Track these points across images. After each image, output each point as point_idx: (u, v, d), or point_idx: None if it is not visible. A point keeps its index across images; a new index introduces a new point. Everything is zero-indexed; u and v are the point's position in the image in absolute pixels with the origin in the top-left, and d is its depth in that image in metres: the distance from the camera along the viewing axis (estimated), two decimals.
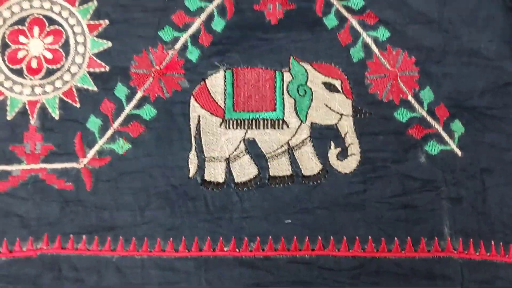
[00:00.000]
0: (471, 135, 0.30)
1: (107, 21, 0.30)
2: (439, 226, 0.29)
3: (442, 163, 0.29)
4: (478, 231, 0.29)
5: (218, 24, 0.31)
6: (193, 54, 0.30)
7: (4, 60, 0.30)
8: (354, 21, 0.31)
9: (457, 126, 0.30)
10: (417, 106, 0.30)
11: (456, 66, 0.30)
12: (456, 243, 0.28)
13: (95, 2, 0.31)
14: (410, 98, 0.30)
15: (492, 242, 0.29)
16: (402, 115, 0.30)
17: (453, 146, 0.30)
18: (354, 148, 0.29)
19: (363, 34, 0.30)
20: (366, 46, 0.30)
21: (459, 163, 0.29)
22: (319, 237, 0.28)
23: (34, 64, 0.30)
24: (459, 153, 0.29)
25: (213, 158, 0.29)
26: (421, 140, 0.30)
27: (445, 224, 0.29)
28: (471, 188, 0.29)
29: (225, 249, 0.28)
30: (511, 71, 0.30)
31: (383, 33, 0.31)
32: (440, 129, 0.30)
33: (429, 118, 0.30)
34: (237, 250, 0.28)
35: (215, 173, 0.29)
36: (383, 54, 0.30)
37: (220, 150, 0.29)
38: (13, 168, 0.29)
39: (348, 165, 0.29)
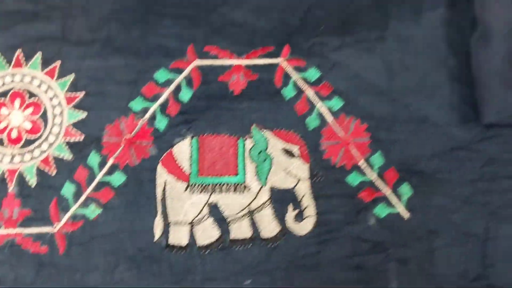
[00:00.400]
0: (418, 198, 0.31)
1: (83, 93, 0.32)
2: (388, 286, 0.29)
3: (390, 225, 0.30)
4: None
5: (185, 95, 0.32)
6: (161, 123, 0.32)
7: None
8: (310, 92, 0.32)
9: (406, 189, 0.31)
10: (367, 170, 0.31)
11: (405, 133, 0.32)
12: None
13: (73, 75, 0.32)
14: (361, 163, 0.31)
15: None
16: (353, 179, 0.31)
17: (400, 209, 0.31)
18: (310, 210, 0.31)
19: (318, 104, 0.32)
20: (321, 115, 0.32)
21: (406, 225, 0.30)
22: None
23: (14, 134, 0.31)
24: (406, 215, 0.30)
25: (178, 222, 0.30)
26: (370, 203, 0.31)
27: (393, 284, 0.29)
28: (419, 250, 0.30)
29: None
30: (458, 136, 0.32)
31: (337, 103, 0.32)
32: (388, 192, 0.31)
33: (378, 182, 0.31)
34: None
35: (179, 236, 0.30)
36: (337, 122, 0.32)
37: (184, 214, 0.30)
38: None
39: (304, 227, 0.30)
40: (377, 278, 0.30)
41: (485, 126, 0.32)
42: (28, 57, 0.33)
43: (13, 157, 0.31)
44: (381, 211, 0.31)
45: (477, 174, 0.31)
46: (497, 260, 0.30)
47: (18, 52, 0.33)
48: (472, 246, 0.31)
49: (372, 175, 0.31)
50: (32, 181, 0.31)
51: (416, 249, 0.30)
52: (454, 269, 0.30)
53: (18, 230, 0.30)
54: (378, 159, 0.31)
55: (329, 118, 0.32)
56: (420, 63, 0.33)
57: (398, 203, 0.31)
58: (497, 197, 0.31)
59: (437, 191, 0.31)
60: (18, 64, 0.32)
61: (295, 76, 0.32)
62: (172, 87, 0.32)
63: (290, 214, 0.31)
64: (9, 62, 0.33)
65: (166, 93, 0.32)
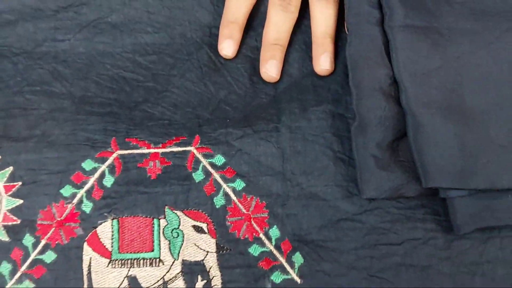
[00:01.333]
0: (309, 265, 0.34)
1: (20, 183, 0.36)
2: None
3: None
4: None
5: (108, 181, 0.36)
6: (87, 207, 0.35)
7: None
8: (217, 175, 0.36)
9: (298, 258, 0.35)
10: (266, 242, 0.35)
11: (298, 208, 0.36)
12: None
13: (11, 168, 0.37)
14: (261, 235, 0.35)
15: None
16: (254, 250, 0.35)
17: (293, 275, 0.34)
18: (216, 280, 0.34)
19: (224, 185, 0.36)
20: (226, 195, 0.36)
21: None
22: None
23: None
24: (298, 280, 0.34)
25: None
26: (268, 270, 0.34)
27: None
28: None
29: None
30: (343, 209, 0.36)
31: (239, 184, 0.36)
32: (283, 261, 0.35)
33: (275, 252, 0.35)
34: None
35: None
36: (240, 201, 0.36)
37: (107, 286, 0.35)
38: None
39: None
40: None
41: (366, 200, 0.36)
42: None
43: None
44: (276, 277, 0.34)
45: (360, 243, 0.35)
46: None
47: None
48: None
49: (270, 246, 0.35)
50: None
51: None
52: None
53: None
54: (274, 232, 0.36)
55: (233, 197, 0.37)
56: (309, 149, 0.37)
57: (291, 270, 0.35)
58: (377, 262, 0.35)
59: (325, 258, 0.35)
60: None
61: (204, 161, 0.38)
62: (97, 174, 0.37)
63: (200, 283, 0.35)
64: None
65: (92, 180, 0.37)
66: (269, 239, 0.36)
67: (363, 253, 0.35)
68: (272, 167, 0.37)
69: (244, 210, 0.36)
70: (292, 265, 0.35)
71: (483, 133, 0.36)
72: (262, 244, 0.35)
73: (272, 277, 0.35)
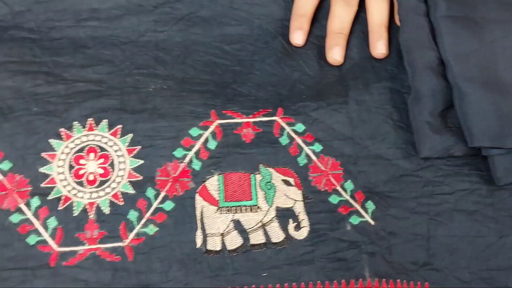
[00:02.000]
0: (379, 210, 0.42)
1: (139, 147, 0.43)
2: (362, 272, 0.40)
3: (361, 230, 0.41)
4: (388, 273, 0.40)
5: (212, 144, 0.43)
6: (197, 165, 0.43)
7: (71, 176, 0.42)
8: (299, 140, 0.44)
9: (370, 205, 0.42)
10: (343, 192, 0.42)
11: (366, 166, 0.43)
12: (373, 282, 0.39)
13: (131, 135, 0.43)
14: (338, 187, 0.42)
15: (398, 280, 0.40)
16: (333, 199, 0.42)
17: (368, 218, 0.42)
18: (304, 222, 0.41)
19: (305, 148, 0.44)
20: (307, 155, 0.43)
21: (372, 229, 0.41)
22: (285, 284, 0.39)
23: (91, 178, 0.42)
24: (372, 222, 0.41)
25: (212, 234, 0.41)
26: (346, 215, 0.41)
27: (365, 270, 0.40)
28: (381, 246, 0.40)
29: None
30: (403, 166, 0.43)
31: (318, 147, 0.43)
32: (359, 207, 0.42)
33: (351, 201, 0.42)
34: None
35: (214, 244, 0.40)
36: (318, 160, 0.43)
37: (217, 228, 0.41)
38: (79, 248, 0.39)
39: (302, 234, 0.41)
40: (354, 266, 0.40)
41: (422, 159, 0.44)
42: (97, 123, 0.44)
43: (91, 194, 0.43)
44: (354, 220, 0.42)
45: (419, 193, 0.42)
46: (437, 251, 0.41)
47: (90, 120, 0.43)
48: (419, 242, 0.41)
49: (346, 196, 0.42)
50: (106, 210, 0.41)
51: (380, 246, 0.40)
52: (407, 259, 0.40)
53: (98, 245, 0.40)
54: (349, 185, 0.43)
55: (313, 157, 0.44)
56: (373, 118, 0.45)
57: (365, 214, 0.42)
58: (433, 208, 0.42)
59: (392, 205, 0.42)
60: (90, 129, 0.44)
61: (287, 128, 0.45)
62: (202, 139, 0.44)
63: (291, 225, 0.42)
64: (83, 127, 0.44)
65: (199, 144, 0.44)
66: (345, 190, 0.43)
67: (422, 201, 0.43)
68: (343, 133, 0.45)
69: (322, 168, 0.44)
70: (366, 210, 0.43)
71: None
72: (339, 195, 0.43)
73: (350, 220, 0.42)
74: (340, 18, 0.48)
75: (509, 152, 0.43)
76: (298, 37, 0.48)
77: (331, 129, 0.45)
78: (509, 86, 0.44)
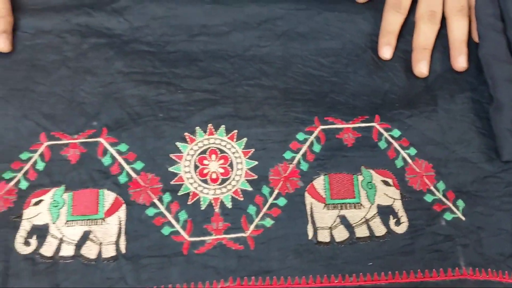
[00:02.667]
0: (468, 208, 0.46)
1: (253, 149, 0.48)
2: (457, 262, 0.44)
3: (454, 225, 0.45)
4: (480, 263, 0.44)
5: (317, 148, 0.48)
6: (304, 166, 0.47)
7: (197, 175, 0.47)
8: (395, 144, 0.48)
9: (460, 203, 0.46)
10: (436, 192, 0.47)
11: (455, 168, 0.47)
12: (468, 270, 0.44)
13: (245, 139, 0.48)
14: (431, 187, 0.47)
15: (489, 269, 0.44)
16: (428, 197, 0.46)
17: (459, 214, 0.46)
18: (403, 218, 0.46)
19: (401, 151, 0.48)
20: (404, 158, 0.48)
21: (464, 224, 0.45)
22: (389, 272, 0.44)
23: (214, 176, 0.47)
24: (463, 218, 0.46)
25: (321, 227, 0.45)
26: (441, 212, 0.46)
27: (460, 260, 0.44)
28: (472, 239, 0.45)
29: (335, 281, 0.44)
30: (486, 169, 0.48)
31: (412, 151, 0.48)
32: (451, 205, 0.46)
33: (444, 199, 0.46)
34: (343, 282, 0.44)
35: (324, 236, 0.45)
36: (414, 163, 0.48)
37: (325, 222, 0.45)
38: (207, 238, 0.44)
39: (401, 229, 0.45)
40: (450, 256, 0.44)
41: (503, 162, 0.48)
42: (216, 128, 0.49)
43: (215, 191, 0.48)
44: (447, 216, 0.46)
45: (501, 192, 0.47)
46: None
47: (210, 126, 0.48)
48: (504, 236, 0.45)
49: (439, 195, 0.47)
50: (229, 205, 0.45)
51: (471, 239, 0.45)
52: (495, 250, 0.45)
53: (224, 236, 0.44)
54: (441, 185, 0.47)
55: (409, 160, 0.49)
56: (459, 125, 0.49)
57: (457, 211, 0.46)
58: None
59: (479, 203, 0.46)
60: (210, 133, 0.49)
61: (385, 134, 0.50)
62: (308, 143, 0.48)
63: (392, 221, 0.46)
64: (204, 132, 0.48)
65: (305, 147, 0.48)
66: (437, 190, 0.48)
67: (504, 199, 0.48)
68: (434, 139, 0.50)
69: (417, 170, 0.49)
70: (457, 207, 0.47)
71: None
72: (433, 194, 0.48)
73: (444, 216, 0.47)
74: (425, 35, 0.53)
75: None
76: (386, 51, 0.53)
77: (424, 135, 0.50)
78: None
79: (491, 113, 0.49)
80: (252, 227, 0.46)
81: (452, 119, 0.50)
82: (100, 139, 0.47)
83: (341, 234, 0.46)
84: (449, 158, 0.49)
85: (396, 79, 0.53)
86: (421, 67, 0.52)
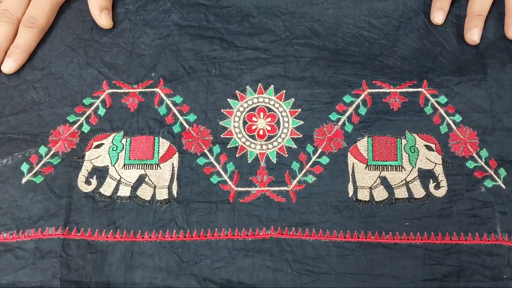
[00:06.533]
0: (510, 177, 0.47)
1: (300, 110, 0.50)
2: (494, 227, 0.45)
3: (494, 192, 0.46)
4: None
5: (362, 111, 0.49)
6: (349, 128, 0.49)
7: (245, 130, 0.50)
8: (441, 110, 0.49)
9: (502, 171, 0.47)
10: (478, 159, 0.47)
11: (501, 137, 0.48)
12: (504, 237, 0.45)
13: (293, 99, 0.50)
14: (474, 155, 0.48)
15: None
16: (470, 164, 0.47)
17: (500, 182, 0.47)
18: (443, 183, 0.47)
19: (447, 118, 0.49)
20: (448, 125, 0.49)
21: (504, 192, 0.46)
22: (425, 233, 0.45)
23: (261, 133, 0.49)
24: (503, 186, 0.46)
25: (362, 186, 0.47)
26: (481, 178, 0.47)
27: (497, 226, 0.45)
28: (511, 207, 0.46)
29: (372, 237, 0.46)
30: None
31: (458, 118, 0.49)
32: (492, 173, 0.47)
33: (485, 167, 0.47)
34: (379, 238, 0.46)
35: (363, 195, 0.46)
36: (458, 130, 0.49)
37: (366, 182, 0.47)
38: (252, 189, 0.47)
39: (440, 192, 0.46)
40: (487, 222, 0.45)
41: None
42: (265, 88, 0.51)
43: (261, 146, 0.51)
44: (488, 183, 0.47)
45: None
46: None
47: (260, 85, 0.51)
48: None
49: (481, 162, 0.48)
50: (274, 160, 0.48)
51: (510, 207, 0.46)
52: None
53: (267, 188, 0.47)
54: (484, 153, 0.48)
55: (454, 127, 0.49)
56: (508, 94, 0.49)
57: (498, 179, 0.47)
58: None
59: None
60: (260, 92, 0.51)
61: (432, 100, 0.50)
62: (354, 105, 0.50)
63: (431, 185, 0.47)
64: (254, 91, 0.51)
65: (351, 109, 0.50)
66: (480, 157, 0.49)
67: None
68: (482, 107, 0.50)
69: (461, 136, 0.49)
70: (498, 176, 0.48)
71: None
72: (475, 161, 0.49)
73: (484, 183, 0.48)
74: (481, 1, 0.53)
75: None
76: (439, 16, 0.53)
77: (471, 102, 0.50)
78: None
79: None
80: (294, 182, 0.48)
81: (501, 88, 0.50)
82: (157, 90, 0.51)
83: (380, 194, 0.48)
84: (495, 127, 0.49)
85: (447, 44, 0.53)
86: (473, 35, 0.52)
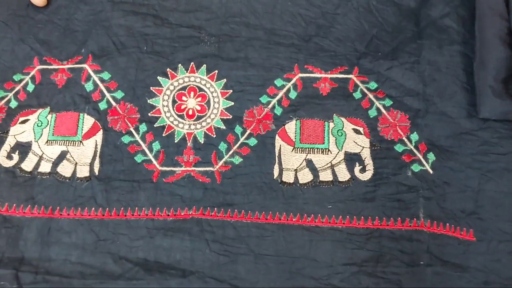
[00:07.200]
0: (438, 162, 0.46)
1: (231, 91, 0.49)
2: (417, 213, 0.45)
3: (420, 177, 0.46)
4: (439, 217, 0.45)
5: (293, 94, 0.49)
6: (278, 111, 0.48)
7: (174, 109, 0.49)
8: (371, 95, 0.49)
9: (431, 156, 0.46)
10: (408, 143, 0.47)
11: (432, 121, 0.47)
12: (426, 223, 0.44)
13: (225, 80, 0.50)
14: (404, 138, 0.47)
15: (447, 224, 0.44)
16: (399, 147, 0.47)
17: (427, 167, 0.46)
18: (369, 166, 0.46)
19: (376, 102, 0.48)
20: (378, 109, 0.48)
21: (430, 177, 0.46)
22: (347, 216, 0.45)
23: (190, 112, 0.49)
24: (431, 171, 0.46)
25: (287, 169, 0.47)
26: (409, 163, 0.46)
27: (420, 212, 0.45)
28: (437, 193, 0.45)
29: (293, 219, 0.45)
30: (463, 125, 0.47)
31: (388, 102, 0.48)
32: (421, 157, 0.46)
33: (414, 150, 0.47)
34: (300, 221, 0.46)
35: (288, 177, 0.46)
36: (388, 114, 0.48)
37: (291, 164, 0.47)
38: (177, 169, 0.46)
39: (366, 176, 0.46)
40: (411, 207, 0.45)
41: (482, 120, 0.47)
42: (197, 67, 0.51)
43: (189, 126, 0.50)
44: (415, 167, 0.46)
45: (475, 150, 0.47)
46: (484, 203, 0.45)
47: (192, 64, 0.50)
48: (469, 193, 0.46)
49: (410, 146, 0.47)
50: (201, 140, 0.48)
51: (435, 192, 0.45)
52: (457, 206, 0.45)
53: (193, 168, 0.46)
54: (414, 136, 0.47)
55: (383, 110, 0.49)
56: (442, 78, 0.49)
57: (426, 164, 0.46)
58: (486, 165, 0.46)
59: (450, 158, 0.46)
60: (192, 71, 0.51)
61: (361, 85, 0.49)
62: (285, 89, 0.50)
63: (357, 168, 0.47)
64: (186, 69, 0.50)
65: (281, 93, 0.49)
66: (410, 141, 0.48)
67: (477, 157, 0.47)
68: (414, 90, 0.49)
69: (391, 120, 0.49)
70: (427, 160, 0.47)
71: None
72: (405, 144, 0.48)
73: (412, 167, 0.47)
74: None
75: None
76: None
77: (403, 86, 0.49)
78: None
79: (475, 68, 0.48)
80: (221, 162, 0.48)
81: (436, 71, 0.50)
82: (85, 65, 0.50)
83: (305, 176, 0.47)
84: (428, 110, 0.48)
85: (386, 24, 0.52)
86: None
